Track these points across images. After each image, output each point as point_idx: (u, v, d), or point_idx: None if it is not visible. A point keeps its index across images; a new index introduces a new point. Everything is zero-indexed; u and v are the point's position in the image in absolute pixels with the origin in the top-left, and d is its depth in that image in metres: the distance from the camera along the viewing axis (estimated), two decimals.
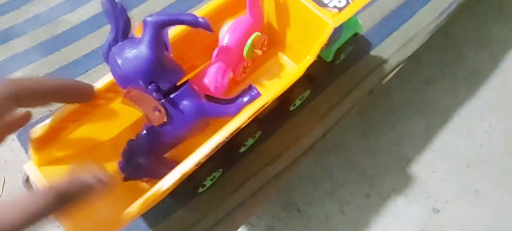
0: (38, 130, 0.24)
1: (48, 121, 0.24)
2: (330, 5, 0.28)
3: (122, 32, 0.24)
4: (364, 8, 0.46)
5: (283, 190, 0.88)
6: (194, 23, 0.24)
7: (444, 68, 1.02)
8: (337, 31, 0.35)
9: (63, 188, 0.17)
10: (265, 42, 0.32)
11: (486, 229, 0.82)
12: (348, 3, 0.29)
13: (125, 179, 0.25)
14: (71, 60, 0.41)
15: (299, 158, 0.38)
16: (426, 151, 0.91)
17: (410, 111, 0.95)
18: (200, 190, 0.33)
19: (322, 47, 0.28)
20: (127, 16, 0.24)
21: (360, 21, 0.38)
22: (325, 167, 0.90)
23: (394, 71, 0.43)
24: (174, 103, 0.25)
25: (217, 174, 0.34)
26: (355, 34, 0.39)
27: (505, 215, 0.82)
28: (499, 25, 1.08)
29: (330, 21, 0.28)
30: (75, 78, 0.40)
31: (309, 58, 0.29)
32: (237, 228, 0.35)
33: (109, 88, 0.26)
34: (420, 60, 1.04)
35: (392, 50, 0.43)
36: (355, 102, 0.41)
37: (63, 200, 0.17)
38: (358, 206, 0.86)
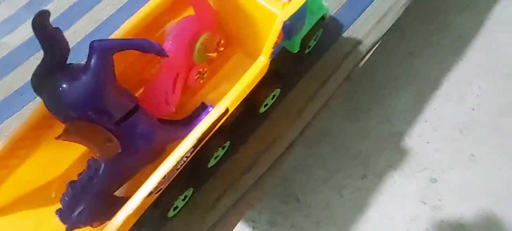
0: None
1: None
2: None
3: (59, 59, 0.20)
4: None
5: (279, 183, 0.85)
6: (147, 48, 0.22)
7: (429, 37, 0.97)
8: (299, 19, 0.30)
9: None
10: (221, 42, 0.28)
11: (484, 192, 0.79)
12: None
13: (69, 229, 0.21)
14: (16, 88, 0.37)
15: (279, 159, 0.34)
16: (418, 122, 0.87)
17: (397, 85, 0.91)
18: (171, 213, 0.29)
19: (277, 43, 0.24)
20: (65, 40, 0.20)
21: (325, 3, 0.33)
22: (318, 154, 0.86)
23: (370, 52, 0.39)
24: (128, 130, 0.21)
25: (188, 193, 0.30)
26: (322, 18, 0.35)
27: (502, 175, 0.79)
28: None
29: (279, 13, 0.23)
30: (23, 108, 0.36)
31: (262, 60, 0.24)
32: None
33: (41, 124, 0.22)
34: (403, 32, 0.99)
35: (365, 29, 0.39)
36: (332, 92, 0.37)
37: None
38: (356, 188, 0.83)
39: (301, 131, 0.35)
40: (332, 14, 0.40)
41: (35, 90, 0.21)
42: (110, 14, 0.41)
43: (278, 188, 0.83)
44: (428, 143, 0.84)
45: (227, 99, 0.23)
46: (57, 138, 0.19)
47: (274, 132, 0.34)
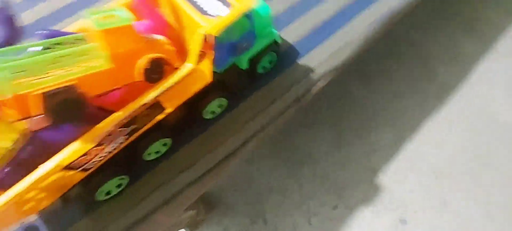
0: None
1: None
2: (212, 13, 0.27)
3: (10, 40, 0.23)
4: (296, 18, 0.45)
5: (252, 201, 0.85)
6: None
7: (415, 83, 0.97)
8: (246, 39, 0.33)
9: None
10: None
11: None
12: (229, 11, 0.27)
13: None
14: None
15: (219, 165, 0.36)
16: (395, 161, 0.87)
17: (380, 123, 0.92)
18: (102, 196, 0.31)
19: (204, 52, 0.27)
20: (18, 26, 0.23)
21: (275, 31, 0.36)
22: (297, 178, 0.87)
23: (324, 80, 0.41)
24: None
25: (123, 182, 0.32)
26: (276, 44, 0.37)
27: (472, 225, 0.77)
28: (471, 41, 1.05)
29: (203, 26, 0.26)
30: None
31: (188, 65, 0.27)
32: None
33: None
34: (391, 75, 1.01)
35: (320, 59, 0.41)
36: (281, 111, 0.38)
37: None
38: (326, 217, 0.82)
39: (243, 142, 0.37)
40: (292, 43, 0.42)
41: None
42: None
43: (249, 207, 0.83)
44: (402, 183, 0.83)
45: (152, 94, 0.25)
46: None
47: (217, 139, 0.35)
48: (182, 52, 0.30)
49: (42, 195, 0.23)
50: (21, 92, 0.19)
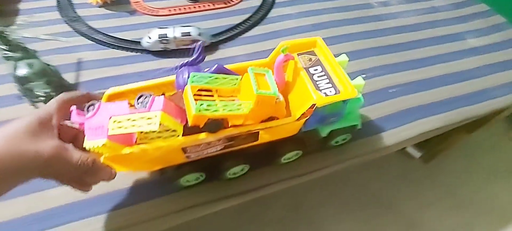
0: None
1: None
2: (322, 90, 0.35)
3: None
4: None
5: None
6: None
7: None
8: (332, 115, 0.39)
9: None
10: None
11: None
12: (335, 93, 0.34)
13: None
14: None
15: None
16: None
17: None
18: (184, 182, 0.39)
19: (306, 115, 0.34)
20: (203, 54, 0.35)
21: (360, 120, 0.42)
22: None
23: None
24: None
25: (201, 177, 0.39)
26: (354, 127, 0.43)
27: None
28: None
29: (314, 98, 0.33)
30: None
31: (291, 118, 0.34)
32: None
33: None
34: None
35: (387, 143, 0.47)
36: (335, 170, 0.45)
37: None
38: None
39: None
40: (370, 136, 0.48)
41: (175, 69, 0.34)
42: None
43: None
44: None
45: (258, 126, 0.33)
46: None
47: (287, 174, 0.43)
48: (287, 103, 0.38)
49: (156, 159, 0.32)
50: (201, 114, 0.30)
